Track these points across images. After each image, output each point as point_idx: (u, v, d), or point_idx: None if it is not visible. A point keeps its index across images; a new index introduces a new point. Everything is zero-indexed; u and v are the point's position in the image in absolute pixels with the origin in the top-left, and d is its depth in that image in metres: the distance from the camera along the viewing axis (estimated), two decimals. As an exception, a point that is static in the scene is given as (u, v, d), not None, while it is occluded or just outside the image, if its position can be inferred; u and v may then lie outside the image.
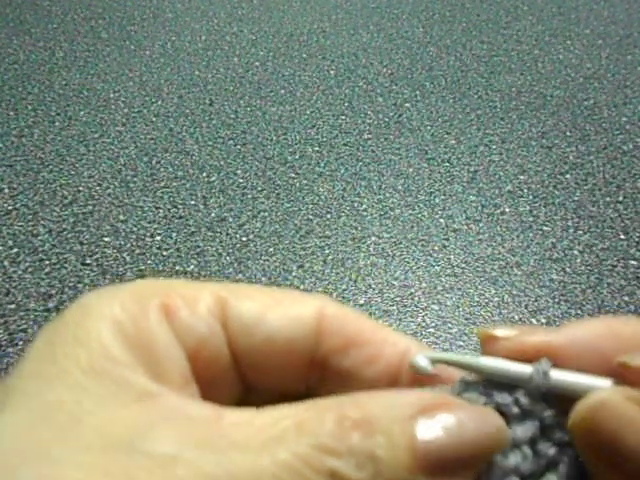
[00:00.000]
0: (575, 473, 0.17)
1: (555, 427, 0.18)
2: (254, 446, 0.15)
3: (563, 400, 0.18)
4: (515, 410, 0.18)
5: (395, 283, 0.81)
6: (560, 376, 0.18)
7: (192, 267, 0.83)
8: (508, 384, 0.19)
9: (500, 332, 0.18)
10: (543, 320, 0.75)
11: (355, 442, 0.15)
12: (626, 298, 0.78)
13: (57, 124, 1.13)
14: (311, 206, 0.94)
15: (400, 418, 0.17)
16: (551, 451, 0.18)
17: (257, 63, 1.36)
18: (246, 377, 0.20)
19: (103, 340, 0.17)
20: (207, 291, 0.19)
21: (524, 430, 0.18)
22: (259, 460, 0.15)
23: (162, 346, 0.17)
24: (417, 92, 1.26)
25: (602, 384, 0.17)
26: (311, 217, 0.92)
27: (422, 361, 0.19)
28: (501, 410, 0.18)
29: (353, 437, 0.15)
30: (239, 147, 1.08)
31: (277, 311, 0.20)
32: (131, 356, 0.17)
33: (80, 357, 0.17)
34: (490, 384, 0.19)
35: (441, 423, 0.17)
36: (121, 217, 0.91)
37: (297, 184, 0.99)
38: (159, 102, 1.21)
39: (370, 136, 1.12)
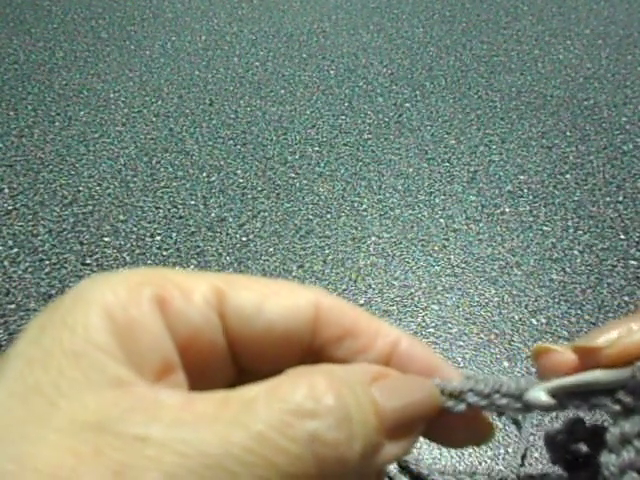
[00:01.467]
0: None
1: None
2: (224, 420, 0.15)
3: None
4: (617, 407, 0.18)
5: (395, 283, 0.81)
6: None
7: (192, 267, 0.83)
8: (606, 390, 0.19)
9: (601, 341, 0.19)
10: (543, 320, 0.75)
11: (331, 402, 0.16)
12: (626, 298, 0.78)
13: (57, 124, 1.13)
14: (311, 206, 0.94)
15: (362, 382, 0.17)
16: None
17: (257, 63, 1.36)
18: (241, 365, 0.20)
19: (88, 324, 0.17)
20: (204, 281, 0.19)
21: (632, 425, 0.18)
22: (230, 433, 0.15)
23: (147, 334, 0.18)
24: (417, 92, 1.26)
25: None
26: (311, 217, 0.92)
27: (541, 395, 0.19)
28: (600, 409, 0.18)
29: (329, 398, 0.16)
30: (239, 147, 1.08)
31: (275, 301, 0.20)
32: (114, 342, 0.17)
33: (63, 339, 0.17)
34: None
35: (392, 389, 0.18)
36: (121, 217, 0.91)
37: (297, 184, 0.99)
38: (159, 102, 1.21)
39: (370, 136, 1.12)
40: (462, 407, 0.20)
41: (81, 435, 0.15)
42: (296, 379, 0.17)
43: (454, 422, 0.21)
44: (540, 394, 0.20)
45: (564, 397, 0.19)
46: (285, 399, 0.16)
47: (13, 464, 0.14)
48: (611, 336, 0.19)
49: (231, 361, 0.20)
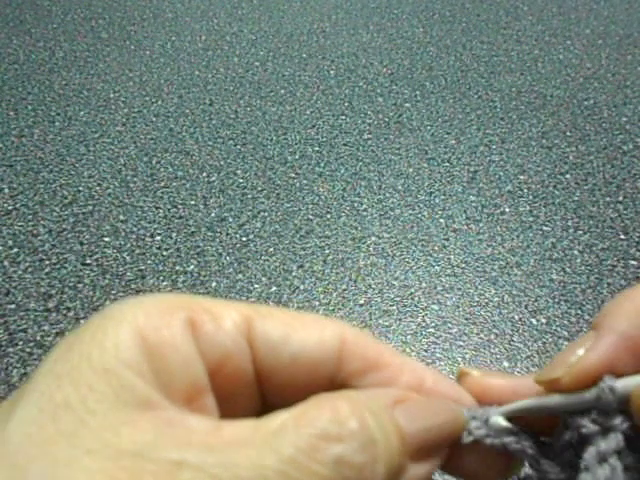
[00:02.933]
0: None
1: (639, 437, 0.18)
2: (255, 444, 0.15)
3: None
4: (593, 427, 0.18)
5: (395, 283, 0.81)
6: (625, 384, 0.18)
7: (192, 267, 0.83)
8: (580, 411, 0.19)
9: (558, 372, 0.19)
10: (543, 320, 0.75)
11: (355, 426, 0.16)
12: (626, 298, 0.77)
13: (57, 124, 1.13)
14: (311, 206, 0.94)
15: (383, 406, 0.18)
16: None
17: (257, 63, 1.36)
18: (267, 394, 0.20)
19: (119, 342, 0.17)
20: (233, 308, 0.20)
21: (608, 443, 0.18)
22: (262, 458, 0.15)
23: (178, 356, 0.18)
24: (417, 92, 1.26)
25: None
26: (311, 217, 0.92)
27: (499, 420, 0.20)
28: (581, 433, 0.18)
29: (352, 422, 0.16)
30: (239, 147, 1.08)
31: (302, 332, 0.20)
32: (144, 362, 0.17)
33: (92, 356, 0.17)
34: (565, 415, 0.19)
35: (415, 412, 0.18)
36: (121, 217, 0.91)
37: (297, 184, 0.99)
38: (159, 102, 1.21)
39: (370, 136, 1.12)
40: (470, 439, 0.20)
41: (116, 460, 0.15)
42: (320, 404, 0.17)
43: (473, 454, 0.21)
44: (498, 419, 0.20)
45: (522, 423, 0.20)
46: (312, 424, 0.16)
47: None
48: (566, 365, 0.19)
49: (258, 390, 0.20)
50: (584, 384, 0.19)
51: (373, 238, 0.88)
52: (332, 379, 0.20)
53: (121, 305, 0.19)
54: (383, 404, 0.19)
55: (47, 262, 0.83)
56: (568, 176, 1.02)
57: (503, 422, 0.20)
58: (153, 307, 0.19)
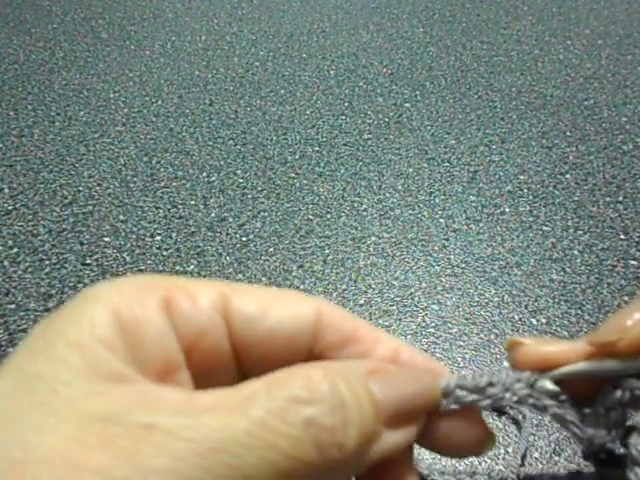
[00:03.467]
0: None
1: None
2: (227, 408, 0.16)
3: None
4: None
5: (395, 283, 0.81)
6: None
7: (192, 267, 0.83)
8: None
9: (616, 335, 0.19)
10: (543, 320, 0.75)
11: (326, 390, 0.17)
12: (626, 298, 0.78)
13: (57, 124, 1.13)
14: (311, 206, 0.94)
15: (357, 375, 0.19)
16: None
17: (257, 63, 1.36)
18: (244, 369, 0.21)
19: (94, 320, 0.18)
20: (209, 286, 0.20)
21: None
22: (233, 420, 0.16)
23: (152, 333, 0.18)
24: (417, 92, 1.26)
25: None
26: (311, 217, 0.92)
27: (546, 383, 0.20)
28: (635, 394, 0.18)
29: (323, 386, 0.17)
30: (239, 147, 1.08)
31: (278, 307, 0.21)
32: (118, 339, 0.18)
33: (68, 332, 0.17)
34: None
35: (389, 380, 0.19)
36: (121, 217, 0.91)
37: (297, 184, 0.99)
38: (159, 102, 1.21)
39: (370, 136, 1.12)
40: (452, 404, 0.20)
41: (88, 425, 0.15)
42: (293, 371, 0.18)
43: (452, 427, 0.21)
44: (546, 382, 0.20)
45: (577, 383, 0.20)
46: (283, 388, 0.17)
47: (21, 452, 0.15)
48: (620, 328, 0.19)
49: (234, 366, 0.20)
50: (635, 351, 0.19)
51: (373, 238, 0.88)
52: (309, 353, 0.21)
53: (98, 286, 0.19)
54: (357, 372, 0.19)
55: (47, 262, 0.83)
56: (568, 176, 1.02)
57: (550, 385, 0.20)
58: (128, 287, 0.19)
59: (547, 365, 0.21)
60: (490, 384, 0.20)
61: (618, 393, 0.19)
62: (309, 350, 0.21)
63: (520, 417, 0.61)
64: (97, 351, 0.17)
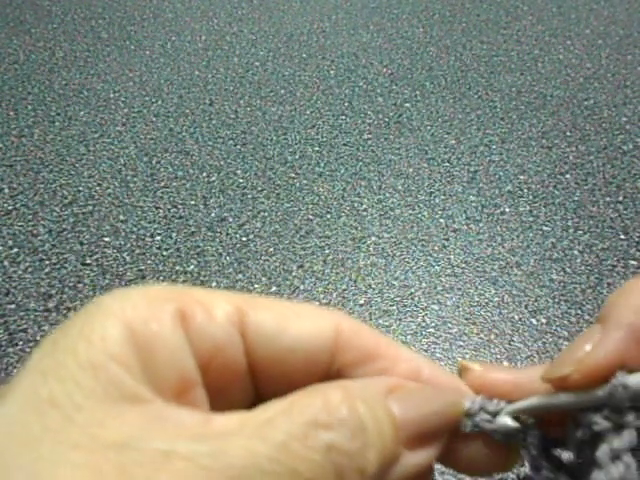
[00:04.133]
0: None
1: None
2: (246, 433, 0.15)
3: None
4: (606, 424, 0.18)
5: (395, 283, 0.81)
6: (638, 380, 0.18)
7: (192, 267, 0.83)
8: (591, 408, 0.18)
9: (566, 370, 0.19)
10: (543, 320, 0.75)
11: (345, 414, 0.16)
12: (626, 298, 0.77)
13: (57, 124, 1.13)
14: (311, 206, 0.94)
15: (376, 394, 0.18)
16: None
17: (257, 63, 1.36)
18: (260, 385, 0.20)
19: (106, 336, 0.17)
20: (225, 299, 0.19)
21: (621, 440, 0.18)
22: (253, 445, 0.15)
23: (167, 349, 0.17)
24: (417, 92, 1.26)
25: None
26: (311, 217, 0.92)
27: (506, 421, 0.19)
28: (593, 431, 0.18)
29: (342, 410, 0.16)
30: (239, 147, 1.08)
31: (296, 323, 0.20)
32: (132, 356, 0.17)
33: (79, 350, 0.16)
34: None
35: (410, 400, 0.18)
36: (121, 217, 0.91)
37: (297, 184, 0.99)
38: (159, 102, 1.21)
39: (370, 136, 1.12)
40: (470, 426, 0.20)
41: (102, 453, 0.15)
42: (312, 394, 0.17)
43: (472, 447, 0.20)
44: (505, 419, 0.20)
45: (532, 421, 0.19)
46: (302, 412, 0.16)
47: None
48: (574, 361, 0.19)
49: (250, 382, 0.20)
50: (594, 381, 0.18)
51: (373, 238, 0.88)
52: (327, 370, 0.20)
53: (108, 298, 0.18)
54: (376, 392, 0.18)
55: (47, 262, 0.83)
56: (568, 176, 1.02)
57: (510, 422, 0.20)
58: (141, 299, 0.18)
59: (493, 393, 0.20)
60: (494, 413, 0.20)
61: (579, 432, 0.19)
62: (328, 367, 0.20)
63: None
64: (110, 370, 0.16)
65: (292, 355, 0.20)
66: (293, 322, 0.20)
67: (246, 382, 0.20)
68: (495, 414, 0.20)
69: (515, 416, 0.20)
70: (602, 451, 0.18)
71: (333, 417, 0.16)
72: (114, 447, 0.15)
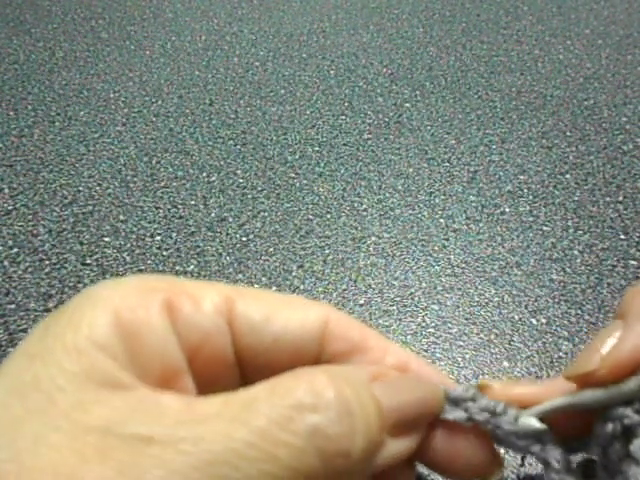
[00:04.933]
0: None
1: None
2: (225, 418, 0.15)
3: None
4: (638, 417, 0.18)
5: (395, 283, 0.81)
6: None
7: (192, 267, 0.83)
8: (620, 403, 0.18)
9: (591, 366, 0.18)
10: (543, 320, 0.75)
11: (332, 396, 0.16)
12: (626, 298, 0.77)
13: (57, 124, 1.13)
14: (311, 206, 0.94)
15: (361, 380, 0.18)
16: None
17: (257, 63, 1.36)
18: (247, 376, 0.20)
19: (93, 323, 0.17)
20: (214, 289, 0.19)
21: None
22: (232, 430, 0.15)
23: (154, 338, 0.17)
24: (417, 92, 1.26)
25: None
26: (311, 217, 0.92)
27: (532, 422, 0.19)
28: (622, 423, 0.18)
29: (329, 392, 0.16)
30: (239, 147, 1.08)
31: (284, 313, 0.20)
32: (118, 344, 0.17)
33: (66, 336, 0.17)
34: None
35: (393, 387, 0.18)
36: (121, 217, 0.91)
37: (297, 184, 0.99)
38: (159, 102, 1.21)
39: (370, 136, 1.12)
40: (462, 415, 0.19)
41: (84, 436, 0.15)
42: (296, 376, 0.17)
43: (454, 443, 0.20)
44: (530, 419, 0.19)
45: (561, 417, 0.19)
46: (286, 395, 0.16)
47: (13, 464, 0.14)
48: (597, 357, 0.18)
49: (238, 372, 0.20)
50: (620, 375, 0.18)
51: (373, 238, 0.88)
52: (315, 361, 0.20)
53: (99, 286, 0.19)
54: (362, 377, 0.18)
55: (47, 262, 0.83)
56: (568, 176, 1.02)
57: (536, 423, 0.19)
58: (131, 288, 0.19)
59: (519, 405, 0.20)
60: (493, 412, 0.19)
61: (609, 426, 0.18)
62: (315, 358, 0.20)
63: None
64: (95, 356, 0.16)
65: (279, 344, 0.20)
66: (281, 312, 0.20)
67: (234, 372, 0.20)
68: (515, 419, 0.19)
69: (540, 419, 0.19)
70: (637, 445, 0.17)
71: (319, 399, 0.16)
72: (95, 431, 0.15)
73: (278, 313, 0.20)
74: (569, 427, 0.21)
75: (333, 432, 0.16)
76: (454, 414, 0.19)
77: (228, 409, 0.16)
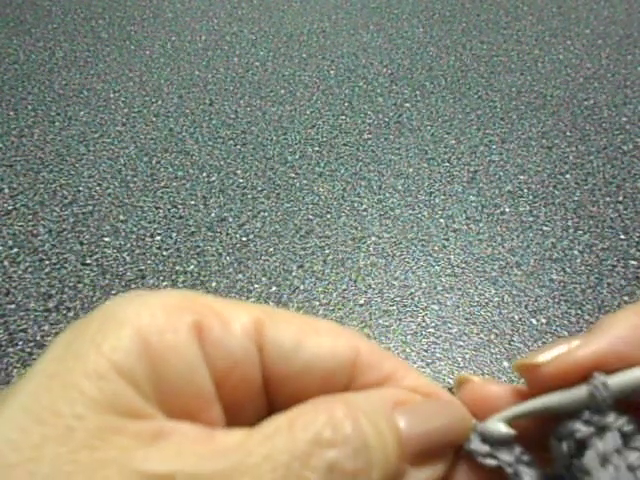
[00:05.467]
0: None
1: (636, 433, 0.17)
2: (249, 451, 0.15)
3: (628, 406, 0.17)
4: (587, 429, 0.17)
5: (395, 283, 0.81)
6: (618, 381, 0.17)
7: (192, 267, 0.83)
8: (571, 412, 0.18)
9: (540, 358, 0.18)
10: (543, 320, 0.75)
11: (349, 431, 0.16)
12: (626, 298, 0.78)
13: (57, 124, 1.13)
14: (311, 206, 0.94)
15: (381, 408, 0.17)
16: None
17: (257, 63, 1.36)
18: (275, 405, 0.19)
19: (118, 347, 0.17)
20: (243, 310, 0.19)
21: (606, 442, 0.17)
22: (256, 465, 0.15)
23: (182, 364, 0.17)
24: (417, 92, 1.26)
25: None
26: (311, 217, 0.92)
27: (499, 427, 0.18)
28: (573, 437, 0.17)
29: (347, 426, 0.16)
30: (239, 147, 1.08)
31: (315, 340, 0.19)
32: (142, 371, 0.17)
33: (88, 359, 0.16)
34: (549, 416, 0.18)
35: (416, 414, 0.18)
36: (121, 217, 0.91)
37: (297, 184, 0.99)
38: (159, 102, 1.21)
39: (370, 136, 1.12)
40: (484, 449, 0.19)
41: (102, 470, 0.15)
42: (316, 408, 0.17)
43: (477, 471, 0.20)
44: (498, 425, 0.19)
45: (524, 427, 0.18)
46: (306, 428, 0.16)
47: None
48: (551, 354, 0.18)
49: (265, 400, 0.19)
50: (567, 378, 0.18)
51: (373, 238, 0.88)
52: (345, 390, 0.20)
53: (125, 302, 0.18)
54: (381, 406, 0.18)
55: (47, 262, 0.83)
56: (568, 176, 1.02)
57: (503, 428, 0.19)
58: (158, 307, 0.18)
59: (490, 405, 0.19)
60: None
61: (564, 445, 0.18)
62: (345, 387, 0.20)
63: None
64: (116, 383, 0.16)
65: (309, 372, 0.19)
66: (312, 338, 0.19)
67: (262, 401, 0.19)
68: (482, 429, 0.19)
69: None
70: (589, 457, 0.17)
71: (337, 433, 0.16)
72: (114, 465, 0.15)
73: (308, 339, 0.19)
74: (535, 444, 0.20)
75: (350, 467, 0.16)
76: (476, 445, 0.19)
77: (251, 442, 0.16)
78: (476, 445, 0.18)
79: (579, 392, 0.18)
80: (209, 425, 0.16)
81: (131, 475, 0.14)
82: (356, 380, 0.19)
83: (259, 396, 0.19)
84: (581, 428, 0.18)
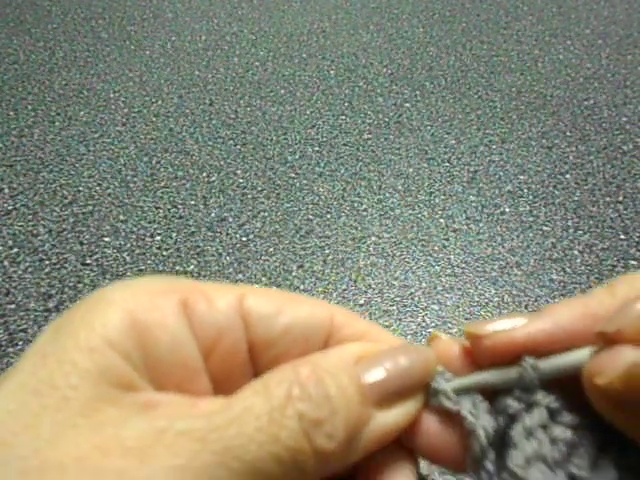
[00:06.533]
0: (596, 452, 0.18)
1: (562, 410, 0.19)
2: (233, 409, 0.17)
3: (560, 387, 0.19)
4: (518, 405, 0.19)
5: (395, 283, 0.81)
6: (547, 364, 0.19)
7: (192, 267, 0.83)
8: (504, 389, 0.20)
9: (483, 331, 0.19)
10: (543, 320, 0.75)
11: (312, 387, 0.18)
12: (626, 298, 0.78)
13: (57, 124, 1.13)
14: (311, 206, 0.94)
15: (342, 363, 0.19)
16: (567, 434, 0.18)
17: (257, 63, 1.36)
18: (259, 371, 0.21)
19: (107, 323, 0.18)
20: (226, 289, 0.20)
21: (532, 417, 0.19)
22: (240, 418, 0.16)
23: (169, 338, 0.18)
24: (417, 92, 1.26)
25: (586, 352, 0.18)
26: (311, 217, 0.92)
27: (442, 399, 0.20)
28: (506, 412, 0.19)
29: (310, 384, 0.18)
30: (239, 147, 1.08)
31: (294, 307, 0.21)
32: (132, 345, 0.18)
33: (80, 335, 0.17)
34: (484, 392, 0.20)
35: (377, 362, 0.20)
36: (121, 217, 0.91)
37: (297, 184, 0.99)
38: (159, 102, 1.21)
39: (370, 136, 1.12)
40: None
41: (101, 431, 0.16)
42: (285, 370, 0.18)
43: (447, 430, 0.21)
44: (440, 382, 0.20)
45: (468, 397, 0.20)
46: (279, 386, 0.18)
47: (35, 460, 0.15)
48: (496, 327, 0.20)
49: (252, 371, 0.21)
50: (503, 354, 0.20)
51: (373, 238, 0.88)
52: (323, 349, 0.21)
53: (112, 288, 0.19)
54: (343, 361, 0.20)
55: (47, 262, 0.83)
56: (568, 176, 1.02)
57: (446, 402, 0.20)
58: (144, 290, 0.19)
59: (455, 362, 0.21)
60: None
61: (500, 419, 0.19)
62: (323, 347, 0.21)
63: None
64: (108, 356, 0.17)
65: (290, 334, 0.21)
66: (291, 306, 0.21)
67: (248, 370, 0.21)
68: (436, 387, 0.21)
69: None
70: (516, 430, 0.19)
71: (303, 389, 0.18)
72: (111, 426, 0.16)
73: (287, 306, 0.21)
74: None
75: (315, 416, 0.17)
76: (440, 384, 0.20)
77: (232, 404, 0.17)
78: (439, 384, 0.20)
79: (512, 371, 0.19)
80: (197, 395, 0.18)
81: (129, 431, 0.16)
82: (333, 342, 0.21)
83: (245, 367, 0.20)
84: (512, 404, 0.19)
